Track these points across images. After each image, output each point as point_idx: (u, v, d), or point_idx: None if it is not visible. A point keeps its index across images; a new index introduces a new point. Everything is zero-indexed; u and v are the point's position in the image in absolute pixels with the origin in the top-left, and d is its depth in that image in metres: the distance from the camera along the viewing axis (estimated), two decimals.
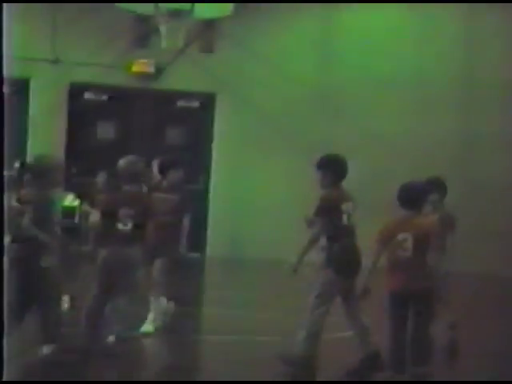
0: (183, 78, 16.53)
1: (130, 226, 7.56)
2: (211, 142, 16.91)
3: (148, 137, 16.59)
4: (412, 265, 7.03)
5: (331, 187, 7.69)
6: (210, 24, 16.05)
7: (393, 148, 16.17)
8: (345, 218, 7.65)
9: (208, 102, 16.99)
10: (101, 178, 10.41)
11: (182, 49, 16.06)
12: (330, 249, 7.60)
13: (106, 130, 16.92)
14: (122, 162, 7.79)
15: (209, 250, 16.87)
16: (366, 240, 7.24)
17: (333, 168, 7.75)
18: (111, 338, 7.40)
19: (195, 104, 17.12)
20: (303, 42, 16.57)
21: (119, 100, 16.93)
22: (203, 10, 14.31)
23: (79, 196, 10.42)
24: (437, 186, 8.37)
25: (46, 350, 7.04)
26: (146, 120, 16.84)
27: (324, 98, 16.45)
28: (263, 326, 9.15)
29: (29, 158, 12.30)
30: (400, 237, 7.05)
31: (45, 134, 15.97)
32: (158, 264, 8.50)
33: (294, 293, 11.69)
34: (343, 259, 7.61)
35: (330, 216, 7.62)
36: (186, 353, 8.42)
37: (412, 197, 7.25)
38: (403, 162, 15.52)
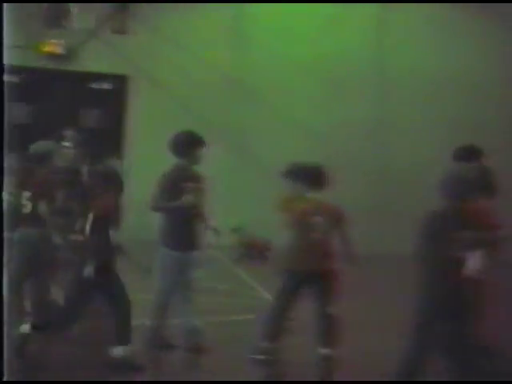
0: (95, 59, 16.41)
1: (29, 207, 7.64)
2: (124, 124, 16.85)
3: (60, 119, 16.43)
4: (322, 246, 7.35)
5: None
6: (122, 6, 15.96)
7: (307, 131, 16.39)
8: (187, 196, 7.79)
9: (121, 84, 16.90)
10: (12, 160, 10.29)
11: (94, 30, 15.95)
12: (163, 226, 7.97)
13: (17, 112, 16.68)
14: (32, 146, 7.98)
15: (125, 233, 16.79)
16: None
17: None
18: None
19: (108, 86, 17.01)
20: (216, 26, 16.61)
21: (30, 81, 16.70)
22: None
23: None
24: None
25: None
26: (58, 102, 16.67)
27: (238, 83, 16.55)
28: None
29: None
30: (314, 219, 7.34)
31: None
32: None
33: (209, 275, 11.82)
34: (175, 235, 7.84)
35: (169, 195, 7.83)
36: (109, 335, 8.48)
37: (321, 178, 7.51)
38: (317, 145, 15.75)
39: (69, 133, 12.63)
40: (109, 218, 7.34)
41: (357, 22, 16.76)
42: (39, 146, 8.16)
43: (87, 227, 7.16)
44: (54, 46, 16.37)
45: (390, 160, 16.59)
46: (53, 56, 16.40)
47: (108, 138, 16.54)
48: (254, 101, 16.48)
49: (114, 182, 7.40)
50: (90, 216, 7.16)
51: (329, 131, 16.37)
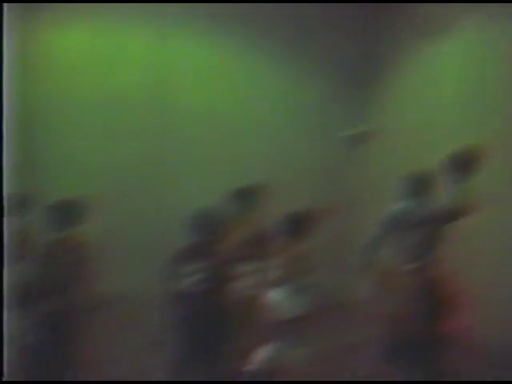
0: None
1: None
2: None
3: None
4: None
5: None
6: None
7: (82, 169, 13.89)
8: None
9: None
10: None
11: None
12: None
13: None
14: None
15: None
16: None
17: None
18: None
19: None
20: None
21: None
22: None
23: None
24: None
25: None
26: None
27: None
28: None
29: None
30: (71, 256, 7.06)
31: None
32: None
33: None
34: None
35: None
36: None
37: (76, 214, 7.24)
38: (92, 183, 13.50)
39: None
40: None
41: (136, 59, 13.78)
42: None
43: None
44: None
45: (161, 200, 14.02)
46: None
47: None
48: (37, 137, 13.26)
49: None
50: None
51: (103, 171, 13.93)
